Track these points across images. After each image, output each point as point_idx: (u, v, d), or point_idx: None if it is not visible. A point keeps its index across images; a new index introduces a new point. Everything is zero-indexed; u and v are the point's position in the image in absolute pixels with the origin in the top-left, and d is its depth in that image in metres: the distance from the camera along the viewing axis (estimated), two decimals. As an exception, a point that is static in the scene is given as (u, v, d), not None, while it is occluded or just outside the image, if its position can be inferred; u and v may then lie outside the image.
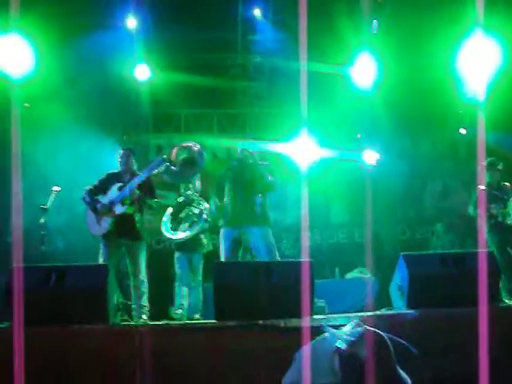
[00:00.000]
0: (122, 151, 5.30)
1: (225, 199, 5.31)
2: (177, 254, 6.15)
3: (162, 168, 5.08)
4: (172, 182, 5.72)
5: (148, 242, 5.43)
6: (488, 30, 6.28)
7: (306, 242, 7.03)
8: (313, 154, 7.30)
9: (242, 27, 8.03)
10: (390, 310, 4.38)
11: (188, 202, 6.15)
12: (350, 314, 4.23)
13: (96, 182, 5.19)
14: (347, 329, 3.43)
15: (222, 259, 5.18)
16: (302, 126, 6.67)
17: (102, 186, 5.12)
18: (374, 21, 7.53)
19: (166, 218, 6.07)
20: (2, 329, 3.65)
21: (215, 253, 6.51)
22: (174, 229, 6.04)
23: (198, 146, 5.26)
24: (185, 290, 6.07)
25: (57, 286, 3.90)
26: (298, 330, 3.56)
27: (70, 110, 7.27)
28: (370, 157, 8.13)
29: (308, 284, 3.92)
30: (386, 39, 7.48)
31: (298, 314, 3.75)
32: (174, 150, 5.21)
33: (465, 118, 8.25)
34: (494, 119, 5.86)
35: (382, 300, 5.34)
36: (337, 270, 7.94)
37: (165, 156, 5.25)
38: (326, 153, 7.78)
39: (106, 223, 4.98)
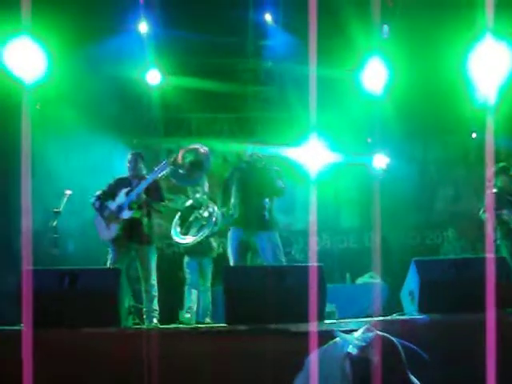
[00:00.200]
0: (130, 156, 5.32)
1: (232, 200, 5.29)
2: (186, 259, 6.16)
3: (168, 171, 5.09)
4: (180, 185, 5.71)
5: (158, 246, 5.45)
6: (499, 34, 6.27)
7: (315, 246, 7.02)
8: (323, 158, 7.30)
9: (253, 32, 8.06)
10: (401, 315, 4.37)
11: (197, 206, 6.14)
12: (360, 319, 4.22)
13: (105, 188, 5.22)
14: (358, 334, 3.42)
15: (231, 260, 5.18)
16: (312, 130, 6.67)
17: (111, 192, 5.15)
18: (385, 25, 7.53)
19: (175, 223, 6.06)
20: (16, 331, 3.67)
21: (224, 256, 6.53)
22: (184, 233, 6.03)
23: (205, 148, 5.26)
24: (194, 293, 6.08)
25: (70, 288, 3.92)
26: (308, 335, 3.55)
27: (82, 113, 7.32)
28: (381, 161, 8.12)
29: (319, 288, 3.91)
30: (397, 44, 7.47)
31: (308, 319, 3.74)
32: (181, 153, 5.21)
33: (476, 123, 8.21)
34: (505, 124, 5.84)
35: (393, 305, 5.31)
36: (347, 275, 7.93)
37: (170, 159, 5.25)
38: (336, 157, 7.78)
39: (115, 228, 5.01)
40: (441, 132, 8.75)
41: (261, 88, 8.78)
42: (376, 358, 3.23)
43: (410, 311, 4.25)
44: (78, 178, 6.76)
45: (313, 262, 4.97)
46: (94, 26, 7.21)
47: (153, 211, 5.13)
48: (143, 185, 5.02)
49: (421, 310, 4.09)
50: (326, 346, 3.39)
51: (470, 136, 8.64)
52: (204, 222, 6.01)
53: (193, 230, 6.03)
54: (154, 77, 8.00)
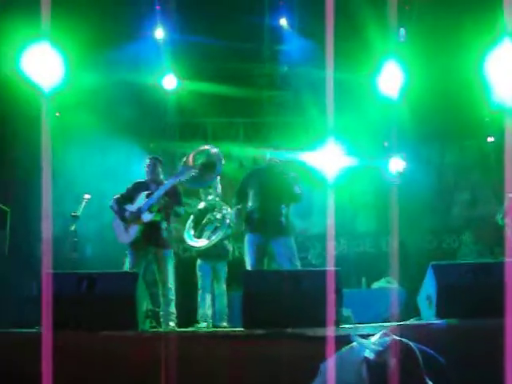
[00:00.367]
0: (148, 160, 5.36)
1: (249, 204, 5.29)
2: (199, 262, 6.12)
3: (189, 176, 5.11)
4: (192, 187, 5.72)
5: (175, 250, 5.48)
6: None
7: (333, 250, 7.00)
8: (339, 162, 7.29)
9: (269, 37, 8.09)
10: (419, 319, 4.34)
11: (209, 208, 6.09)
12: (377, 324, 4.20)
13: (124, 191, 5.26)
14: (375, 338, 3.41)
15: (248, 264, 5.19)
16: (328, 134, 6.67)
17: (130, 195, 5.20)
18: (402, 29, 7.52)
19: (188, 226, 6.03)
20: (35, 333, 3.72)
21: (240, 261, 6.54)
22: (197, 236, 6.00)
23: (216, 149, 5.28)
24: (208, 298, 6.06)
25: (88, 292, 3.96)
26: (325, 339, 3.55)
27: (99, 118, 7.39)
28: (397, 165, 8.09)
29: (335, 293, 3.91)
30: (414, 47, 7.46)
31: (325, 323, 3.74)
32: (192, 155, 5.23)
33: (493, 126, 8.16)
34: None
35: (409, 310, 5.30)
36: (363, 279, 7.90)
37: (182, 162, 5.26)
38: (353, 161, 7.77)
39: (134, 231, 5.04)
40: (458, 136, 8.69)
41: (276, 93, 8.81)
42: (393, 362, 3.23)
43: (428, 316, 4.23)
44: (95, 182, 6.84)
45: (330, 267, 4.98)
46: (111, 32, 7.29)
47: (172, 215, 5.17)
48: (164, 188, 5.06)
49: (438, 315, 4.06)
50: (342, 350, 3.39)
51: (487, 140, 8.58)
52: (217, 225, 5.98)
53: (206, 233, 6.00)
54: (170, 82, 8.07)
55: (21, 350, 3.71)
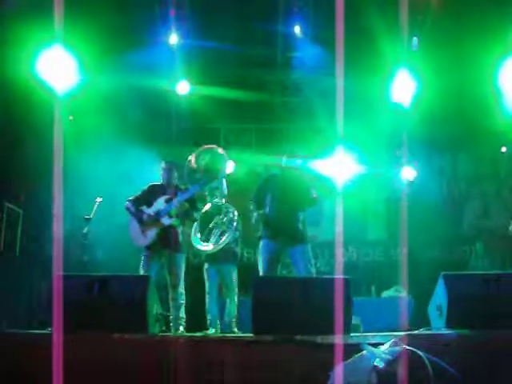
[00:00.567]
0: (164, 165, 5.38)
1: (266, 209, 5.28)
2: (205, 266, 6.10)
3: (211, 185, 5.11)
4: (199, 190, 5.65)
5: (186, 255, 5.49)
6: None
7: (341, 258, 6.99)
8: (350, 170, 7.29)
9: (282, 44, 8.12)
10: (429, 329, 4.32)
11: (215, 211, 6.03)
12: (387, 333, 4.19)
13: (139, 193, 5.28)
14: (385, 347, 3.41)
15: (260, 271, 5.18)
16: (339, 141, 6.67)
17: (146, 198, 5.21)
18: (415, 38, 7.53)
19: (195, 229, 5.96)
20: (46, 335, 3.74)
21: (248, 266, 6.53)
22: (204, 240, 5.93)
23: (220, 150, 5.26)
24: (214, 302, 6.04)
25: (99, 294, 3.97)
26: (335, 347, 3.54)
27: (112, 122, 7.43)
28: (409, 174, 8.08)
29: (345, 301, 3.91)
30: (426, 56, 7.45)
31: (335, 331, 3.73)
32: (193, 157, 5.21)
33: (506, 136, 8.12)
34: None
35: (419, 320, 5.26)
36: (373, 288, 7.87)
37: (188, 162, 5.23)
38: (364, 169, 7.76)
39: (152, 234, 5.06)
40: (470, 145, 8.66)
41: (288, 99, 8.83)
42: (403, 371, 3.22)
43: (438, 326, 4.21)
44: (107, 185, 6.86)
45: (339, 274, 4.97)
46: (126, 38, 7.35)
47: (188, 220, 5.19)
48: (187, 195, 5.07)
49: (449, 325, 4.04)
50: (352, 358, 3.39)
51: (500, 150, 8.54)
52: (224, 228, 5.91)
53: (213, 237, 5.94)
54: (183, 87, 8.11)
55: (32, 351, 3.72)
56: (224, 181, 5.85)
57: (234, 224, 5.91)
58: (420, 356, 3.31)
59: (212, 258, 6.00)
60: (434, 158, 8.67)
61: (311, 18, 7.81)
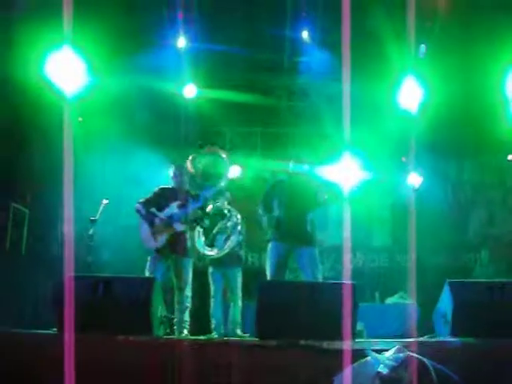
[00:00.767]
0: (175, 169, 5.38)
1: (276, 213, 5.29)
2: (210, 269, 6.11)
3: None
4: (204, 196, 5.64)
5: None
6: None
7: (349, 264, 6.98)
8: (356, 176, 7.28)
9: (289, 48, 8.13)
10: (433, 337, 4.31)
11: (217, 214, 6.04)
12: (392, 339, 4.18)
13: (150, 196, 5.29)
14: (389, 354, 3.40)
15: (268, 273, 5.18)
16: (345, 147, 6.67)
17: (156, 200, 5.23)
18: (422, 45, 7.53)
19: (198, 233, 5.92)
20: (51, 335, 3.75)
21: (253, 270, 6.53)
22: (209, 244, 5.94)
23: (220, 152, 5.27)
24: (219, 306, 6.04)
25: (104, 296, 3.98)
26: (339, 353, 3.54)
27: (120, 124, 7.45)
28: (414, 180, 8.07)
29: (351, 306, 3.90)
30: (433, 63, 7.46)
31: (340, 337, 3.73)
32: (189, 161, 5.21)
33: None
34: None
35: (423, 327, 5.26)
36: (377, 294, 7.86)
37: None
38: (370, 175, 7.76)
39: (163, 238, 5.07)
40: (476, 153, 8.65)
41: (295, 103, 8.84)
42: (407, 378, 3.22)
43: (443, 333, 4.20)
44: (114, 187, 6.88)
45: (346, 280, 4.97)
46: (134, 40, 7.37)
47: (199, 226, 5.21)
48: (199, 202, 5.09)
49: (454, 333, 4.03)
50: (356, 364, 3.38)
51: (507, 158, 8.53)
52: (229, 233, 5.94)
53: (219, 242, 5.97)
54: (190, 91, 8.13)
55: (37, 351, 3.73)
56: (225, 184, 5.85)
57: (238, 228, 5.91)
58: (424, 363, 3.30)
59: (217, 261, 6.01)
60: (440, 164, 8.66)
61: (319, 23, 7.82)
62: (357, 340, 4.02)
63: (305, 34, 7.96)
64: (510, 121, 7.40)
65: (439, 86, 7.35)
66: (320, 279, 5.20)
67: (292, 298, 3.99)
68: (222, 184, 5.58)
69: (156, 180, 5.81)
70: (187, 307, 5.05)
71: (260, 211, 5.39)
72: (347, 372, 3.30)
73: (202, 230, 5.87)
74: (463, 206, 8.83)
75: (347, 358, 3.40)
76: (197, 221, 5.12)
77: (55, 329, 3.96)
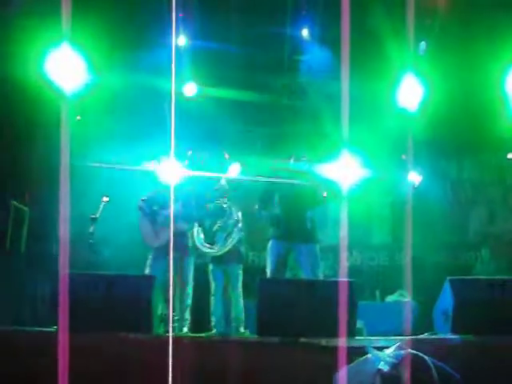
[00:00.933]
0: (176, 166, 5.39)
1: (275, 210, 5.30)
2: (211, 267, 6.07)
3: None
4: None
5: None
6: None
7: (345, 262, 6.98)
8: (355, 174, 7.27)
9: (289, 47, 8.12)
10: (434, 334, 4.31)
11: (219, 212, 5.99)
12: (392, 337, 4.18)
13: (153, 193, 5.29)
14: (390, 351, 3.40)
15: (268, 271, 5.19)
16: (344, 145, 6.67)
17: (159, 198, 5.23)
18: (422, 42, 7.53)
19: (197, 231, 5.88)
20: (50, 333, 3.74)
21: (253, 269, 6.53)
22: (209, 242, 5.91)
23: (217, 149, 5.29)
24: (220, 303, 6.03)
25: (104, 294, 3.98)
26: (339, 350, 3.54)
27: (119, 122, 7.45)
28: (414, 178, 8.07)
29: (350, 304, 3.91)
30: (433, 60, 7.45)
31: (340, 334, 3.73)
32: (188, 160, 5.20)
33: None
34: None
35: (423, 324, 5.26)
36: (377, 292, 7.86)
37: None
38: (369, 173, 7.74)
39: (164, 236, 5.08)
40: (476, 151, 8.66)
41: (295, 102, 8.83)
42: (407, 375, 3.21)
43: (443, 331, 4.20)
44: (114, 185, 6.87)
45: (344, 278, 4.96)
46: (134, 38, 7.37)
47: (199, 225, 5.22)
48: (202, 201, 5.09)
49: (454, 330, 4.03)
50: (357, 361, 3.38)
51: (506, 156, 8.53)
52: (230, 231, 5.91)
53: (219, 240, 5.93)
54: (190, 89, 8.12)
55: (36, 350, 3.73)
56: (226, 181, 5.86)
57: (239, 225, 5.91)
58: (425, 360, 3.29)
59: (218, 259, 5.99)
60: (440, 162, 8.66)
61: (319, 21, 7.82)
62: (357, 337, 4.03)
63: (305, 32, 7.95)
64: (510, 118, 7.40)
65: (439, 84, 7.34)
66: (320, 276, 5.20)
67: (292, 296, 3.99)
68: (223, 182, 5.60)
69: (155, 178, 5.79)
70: (188, 305, 5.06)
71: (258, 208, 5.40)
72: (347, 369, 3.30)
73: (201, 227, 5.87)
74: (463, 205, 8.83)
75: (347, 355, 3.40)
76: (200, 220, 5.13)
77: (56, 327, 3.95)
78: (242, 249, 6.15)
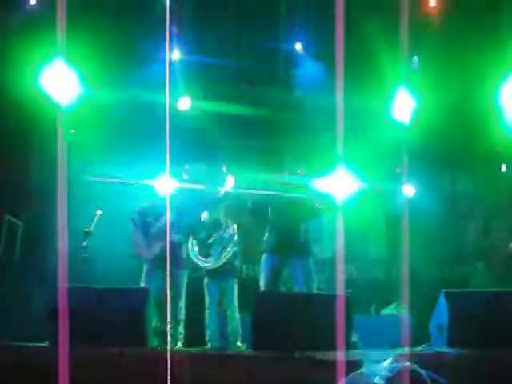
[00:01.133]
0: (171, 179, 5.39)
1: (268, 226, 5.29)
2: (205, 280, 6.01)
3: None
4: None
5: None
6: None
7: (341, 275, 6.95)
8: (350, 187, 7.28)
9: (284, 61, 8.17)
10: (429, 347, 4.30)
11: (214, 225, 5.98)
12: (388, 350, 4.17)
13: (146, 206, 5.29)
14: (385, 364, 3.38)
15: (262, 284, 5.15)
16: (339, 159, 6.68)
17: (153, 211, 5.23)
18: (415, 56, 7.59)
19: (192, 244, 5.83)
20: (44, 347, 3.71)
21: (248, 282, 6.50)
22: (203, 254, 5.85)
23: (214, 162, 5.29)
24: (215, 317, 5.99)
25: (98, 307, 3.96)
26: (335, 364, 3.51)
27: (114, 136, 7.45)
28: (409, 191, 8.08)
29: (345, 317, 3.88)
30: (426, 74, 7.52)
31: (335, 347, 3.71)
32: (186, 171, 5.20)
33: (506, 155, 8.16)
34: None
35: (418, 338, 5.24)
36: (373, 305, 7.83)
37: None
38: (364, 186, 7.75)
39: (157, 248, 5.06)
40: (470, 164, 8.69)
41: (290, 116, 8.85)
42: (403, 389, 3.19)
43: (439, 344, 4.18)
44: (108, 199, 6.85)
45: (340, 291, 4.94)
46: (128, 53, 7.40)
47: (194, 237, 5.20)
48: (197, 212, 5.09)
49: (450, 343, 4.02)
50: (352, 375, 3.35)
51: (500, 168, 8.56)
52: (225, 245, 5.87)
53: (214, 253, 5.88)
54: (184, 103, 8.14)
55: (28, 364, 3.69)
56: (222, 194, 5.84)
57: (235, 239, 5.89)
58: (420, 374, 3.27)
59: (213, 273, 5.95)
60: (435, 175, 8.68)
61: (312, 36, 7.88)
62: (352, 351, 4.01)
63: (298, 47, 8.01)
64: (503, 131, 7.45)
65: (432, 98, 7.40)
66: (315, 290, 5.17)
67: (287, 310, 3.97)
68: (220, 195, 5.59)
69: (150, 191, 5.78)
70: (182, 319, 5.03)
71: (252, 217, 5.38)
72: (342, 383, 3.27)
73: (195, 240, 5.84)
74: (458, 217, 8.85)
75: (342, 369, 3.38)
76: (192, 231, 5.12)
77: (47, 342, 3.92)
78: (237, 263, 6.12)
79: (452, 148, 8.18)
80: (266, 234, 5.27)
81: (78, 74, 6.56)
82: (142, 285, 5.00)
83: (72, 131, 7.14)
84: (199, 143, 8.69)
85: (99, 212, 5.46)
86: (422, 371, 3.25)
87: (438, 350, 4.13)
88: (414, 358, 3.63)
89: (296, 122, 8.85)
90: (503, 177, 8.57)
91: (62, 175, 4.55)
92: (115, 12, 6.89)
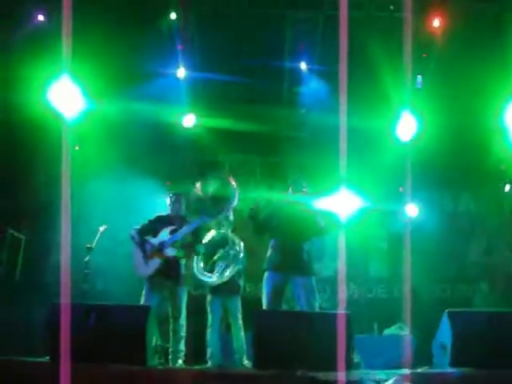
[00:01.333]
0: (173, 196, 5.41)
1: (271, 243, 5.26)
2: (209, 298, 5.95)
3: (216, 218, 5.10)
4: (207, 222, 5.58)
5: (188, 287, 5.45)
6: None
7: (343, 294, 6.91)
8: (353, 206, 7.26)
9: (288, 79, 8.22)
10: (432, 368, 4.25)
11: (221, 241, 5.92)
12: (390, 371, 4.12)
13: (146, 223, 5.28)
14: (388, 384, 3.36)
15: (264, 303, 5.10)
16: (342, 178, 6.68)
17: (151, 228, 5.22)
18: (419, 76, 7.63)
19: (197, 259, 5.79)
20: (43, 363, 3.68)
21: (250, 300, 6.45)
22: (208, 270, 5.81)
23: (229, 178, 5.27)
24: (216, 335, 5.94)
25: (97, 324, 3.93)
26: (337, 383, 3.48)
27: (117, 153, 7.48)
28: (411, 211, 8.07)
29: (347, 337, 3.85)
30: (429, 94, 7.54)
31: (336, 367, 3.67)
32: (200, 185, 5.19)
33: (509, 174, 8.15)
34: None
35: (421, 358, 5.19)
36: (375, 325, 7.78)
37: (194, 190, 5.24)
38: (366, 206, 7.74)
39: (154, 265, 5.04)
40: (473, 183, 8.68)
41: (294, 134, 8.88)
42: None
43: (442, 364, 4.14)
44: (111, 215, 6.85)
45: (341, 310, 4.90)
46: (134, 69, 7.46)
47: (192, 253, 5.18)
48: (191, 227, 5.08)
49: (453, 364, 3.97)
50: (354, 395, 3.33)
51: (503, 188, 8.55)
52: (230, 262, 5.81)
53: (218, 269, 5.82)
54: (189, 120, 8.19)
55: (29, 380, 3.66)
56: (231, 210, 5.79)
57: (240, 256, 5.84)
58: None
59: (216, 290, 5.90)
60: (437, 195, 8.68)
61: (317, 55, 7.93)
62: (354, 371, 3.96)
63: (303, 66, 8.07)
64: (506, 151, 7.45)
65: (436, 117, 7.41)
66: (317, 308, 5.12)
67: (288, 328, 3.94)
68: (230, 210, 5.53)
69: (153, 208, 5.79)
70: (182, 337, 4.99)
71: (256, 224, 5.30)
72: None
73: (198, 256, 5.80)
74: (461, 237, 8.81)
75: (344, 388, 3.35)
76: (189, 247, 5.09)
77: (48, 357, 3.89)
78: (241, 281, 6.06)
79: (455, 167, 8.18)
80: (269, 252, 5.24)
81: (83, 90, 6.61)
82: (143, 303, 4.97)
83: (76, 147, 7.18)
84: (203, 160, 8.73)
85: (102, 228, 5.46)
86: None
87: (440, 370, 4.09)
88: (417, 378, 3.59)
89: (300, 139, 8.88)
90: (506, 196, 8.56)
91: (66, 190, 4.56)
92: (120, 28, 6.94)
